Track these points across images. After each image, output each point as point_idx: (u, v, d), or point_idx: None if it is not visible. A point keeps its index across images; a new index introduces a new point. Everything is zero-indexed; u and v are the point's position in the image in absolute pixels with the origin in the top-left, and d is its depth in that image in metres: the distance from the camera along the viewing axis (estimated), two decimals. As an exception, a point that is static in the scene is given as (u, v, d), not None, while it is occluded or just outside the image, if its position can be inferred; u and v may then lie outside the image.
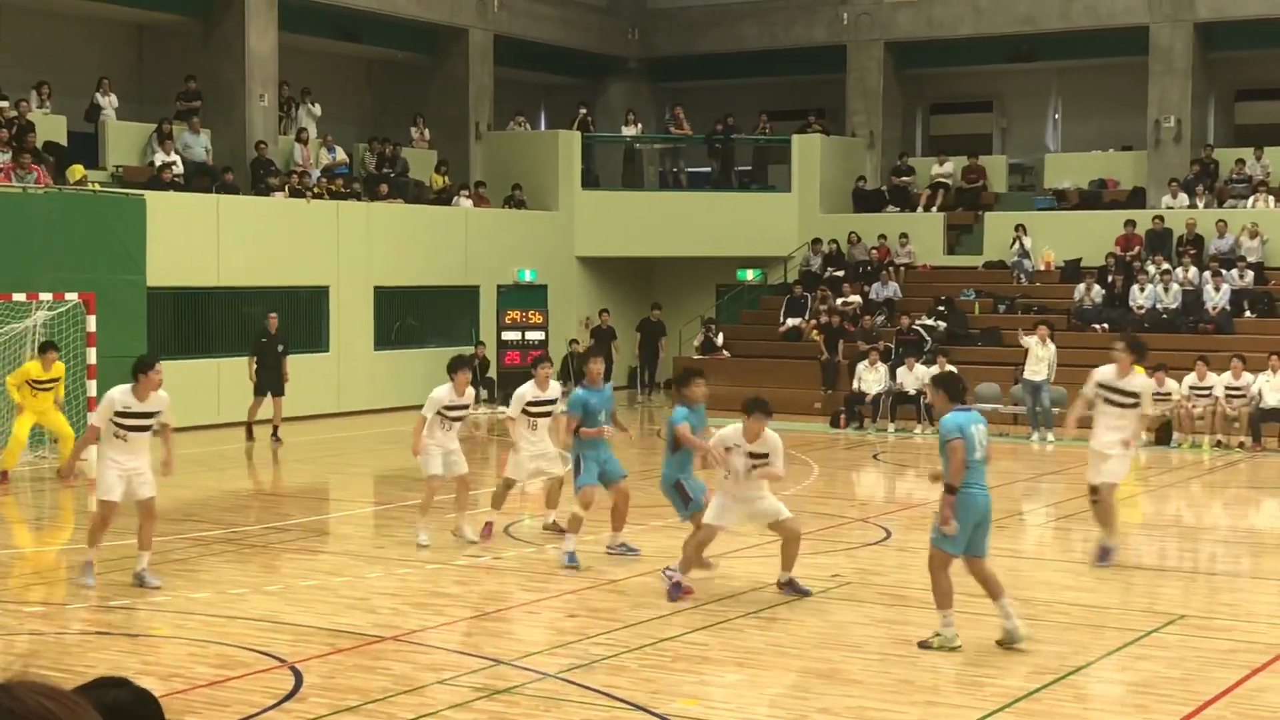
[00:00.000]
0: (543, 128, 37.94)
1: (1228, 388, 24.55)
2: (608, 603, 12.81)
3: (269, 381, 24.44)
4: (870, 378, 27.33)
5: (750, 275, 34.87)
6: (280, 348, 24.72)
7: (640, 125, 36.09)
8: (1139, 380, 14.76)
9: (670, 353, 32.69)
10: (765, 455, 12.52)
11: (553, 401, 15.62)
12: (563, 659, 10.56)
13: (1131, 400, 14.40)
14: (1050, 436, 25.33)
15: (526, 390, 15.53)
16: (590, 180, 34.71)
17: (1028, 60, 35.89)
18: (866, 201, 35.26)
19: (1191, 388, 24.67)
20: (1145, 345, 15.33)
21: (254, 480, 22.32)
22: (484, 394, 29.08)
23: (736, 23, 37.62)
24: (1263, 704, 9.61)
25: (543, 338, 31.41)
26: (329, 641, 11.06)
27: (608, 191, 34.74)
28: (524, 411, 15.38)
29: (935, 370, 26.24)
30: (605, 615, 12.26)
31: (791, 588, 12.70)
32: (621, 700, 9.50)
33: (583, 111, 35.23)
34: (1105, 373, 14.47)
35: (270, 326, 24.86)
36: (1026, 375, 25.67)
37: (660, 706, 9.34)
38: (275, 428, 24.50)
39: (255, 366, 24.42)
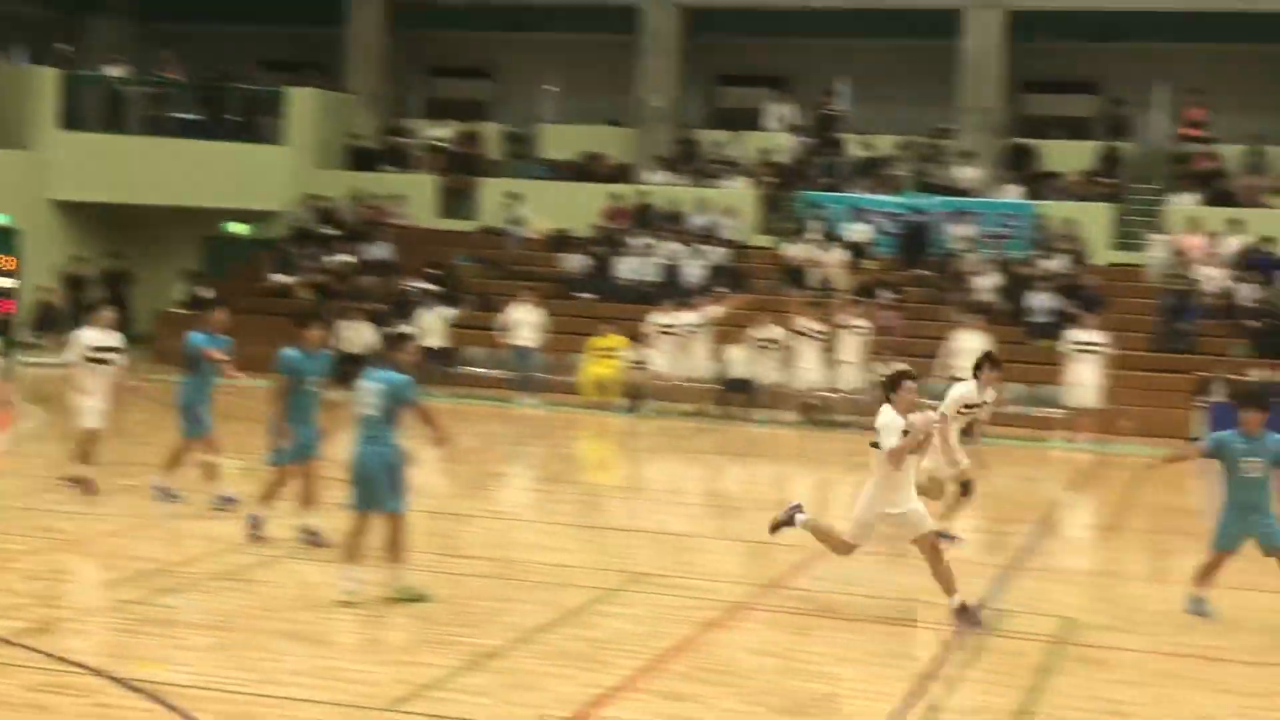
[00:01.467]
0: (24, 62, 35.64)
1: (700, 358, 25.83)
2: (74, 565, 12.24)
3: None
4: (355, 338, 27.13)
5: (239, 229, 34.01)
6: None
7: (127, 66, 34.47)
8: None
9: (152, 306, 31.42)
10: None
11: (115, 349, 14.86)
12: (15, 621, 10.00)
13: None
14: (535, 401, 25.91)
15: (88, 334, 14.75)
16: (71, 121, 32.87)
17: (525, 30, 36.51)
18: (361, 160, 35.01)
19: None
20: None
21: None
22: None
23: (234, -34, 36.52)
24: (715, 657, 10.16)
25: (15, 285, 29.59)
26: None
27: (89, 134, 32.97)
28: (86, 358, 14.62)
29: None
30: (71, 578, 11.71)
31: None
32: (78, 664, 9.08)
33: (63, 47, 33.34)
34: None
35: None
36: (515, 341, 26.16)
37: (121, 670, 8.98)
38: None
39: None
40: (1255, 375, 24.78)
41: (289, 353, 13.18)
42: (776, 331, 25.09)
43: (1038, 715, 9.19)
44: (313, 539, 12.97)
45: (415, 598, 11.10)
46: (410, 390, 11.16)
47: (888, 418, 11.15)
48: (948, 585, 11.31)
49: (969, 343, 23.26)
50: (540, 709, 8.75)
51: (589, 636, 10.50)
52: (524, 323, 26.15)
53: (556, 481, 18.46)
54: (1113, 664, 10.61)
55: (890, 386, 11.25)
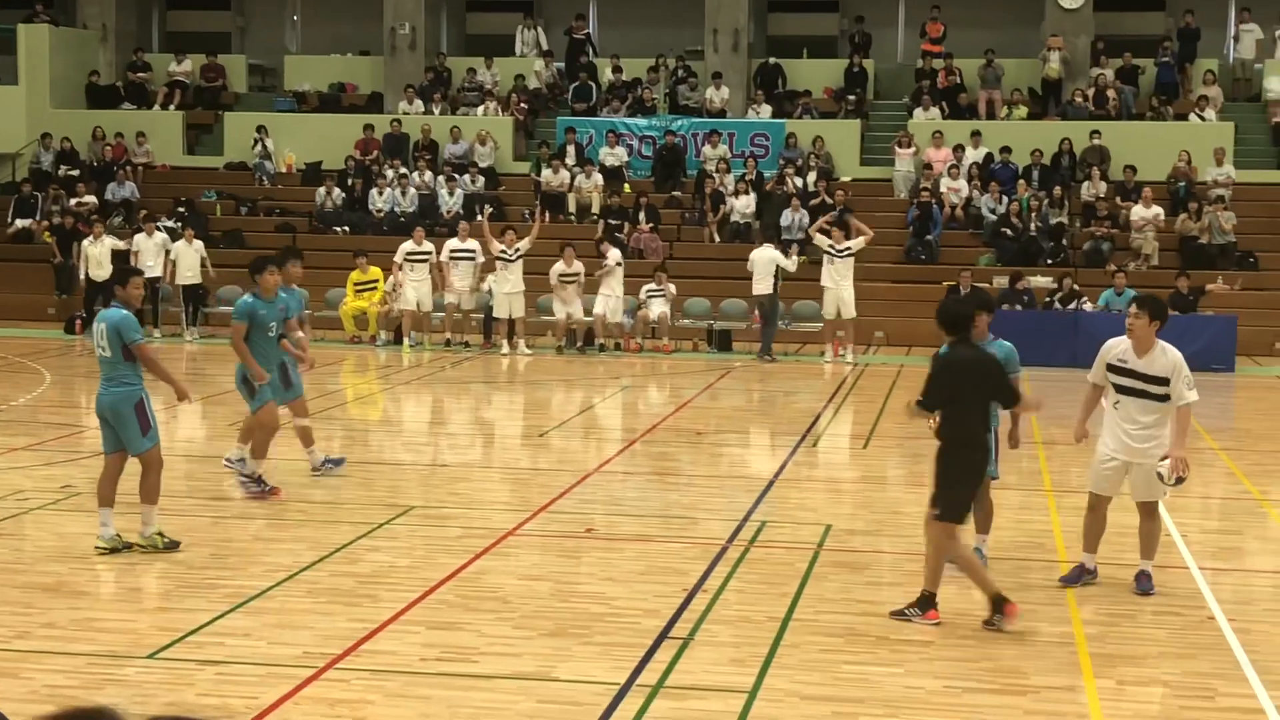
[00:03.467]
0: None
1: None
2: None
3: None
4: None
5: (-26, 173, 32.61)
6: None
7: None
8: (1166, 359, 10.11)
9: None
10: None
11: None
12: None
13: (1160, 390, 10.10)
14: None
15: None
16: None
17: (266, -41, 35.65)
18: (101, 98, 33.80)
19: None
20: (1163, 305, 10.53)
21: None
22: None
23: (-49, -101, 34.76)
24: (483, 585, 10.17)
25: None
26: None
27: None
28: None
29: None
30: None
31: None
32: None
33: None
34: (1117, 347, 10.22)
35: None
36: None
37: None
38: None
39: None
40: (1008, 283, 25.64)
41: (246, 300, 13.09)
42: (524, 244, 24.93)
43: (799, 620, 9.44)
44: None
45: (166, 545, 10.80)
46: (129, 328, 10.71)
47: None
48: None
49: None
50: (306, 647, 8.67)
51: (356, 572, 10.42)
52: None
53: (319, 418, 18.20)
54: (870, 567, 10.95)
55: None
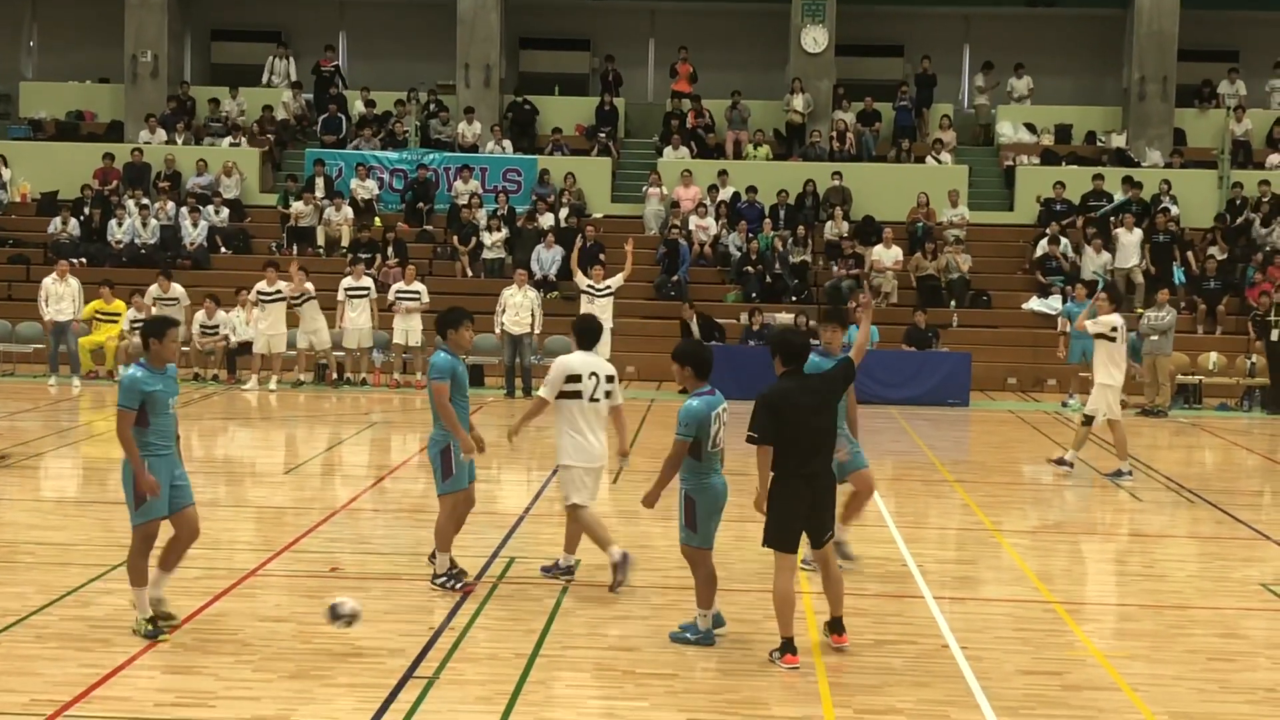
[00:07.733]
0: None
1: (203, 326, 25.07)
2: None
3: None
4: None
5: None
6: None
7: None
8: None
9: None
10: None
11: None
12: None
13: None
14: (76, 380, 24.41)
15: None
16: None
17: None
18: None
19: (202, 325, 25.06)
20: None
21: None
22: None
23: None
24: (222, 627, 9.91)
25: None
26: None
27: None
28: None
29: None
30: None
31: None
32: None
33: None
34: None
35: None
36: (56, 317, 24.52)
37: None
38: None
39: None
40: (747, 320, 26.12)
41: (445, 355, 11.16)
42: (281, 286, 24.54)
43: (546, 656, 9.43)
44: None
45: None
46: None
47: None
48: None
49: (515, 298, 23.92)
50: (34, 694, 8.33)
51: (88, 616, 10.06)
52: (61, 296, 24.51)
53: (55, 458, 17.58)
54: (618, 601, 10.99)
55: None
